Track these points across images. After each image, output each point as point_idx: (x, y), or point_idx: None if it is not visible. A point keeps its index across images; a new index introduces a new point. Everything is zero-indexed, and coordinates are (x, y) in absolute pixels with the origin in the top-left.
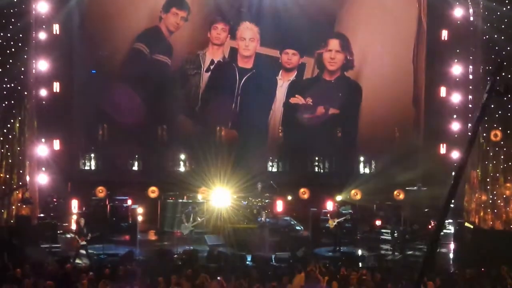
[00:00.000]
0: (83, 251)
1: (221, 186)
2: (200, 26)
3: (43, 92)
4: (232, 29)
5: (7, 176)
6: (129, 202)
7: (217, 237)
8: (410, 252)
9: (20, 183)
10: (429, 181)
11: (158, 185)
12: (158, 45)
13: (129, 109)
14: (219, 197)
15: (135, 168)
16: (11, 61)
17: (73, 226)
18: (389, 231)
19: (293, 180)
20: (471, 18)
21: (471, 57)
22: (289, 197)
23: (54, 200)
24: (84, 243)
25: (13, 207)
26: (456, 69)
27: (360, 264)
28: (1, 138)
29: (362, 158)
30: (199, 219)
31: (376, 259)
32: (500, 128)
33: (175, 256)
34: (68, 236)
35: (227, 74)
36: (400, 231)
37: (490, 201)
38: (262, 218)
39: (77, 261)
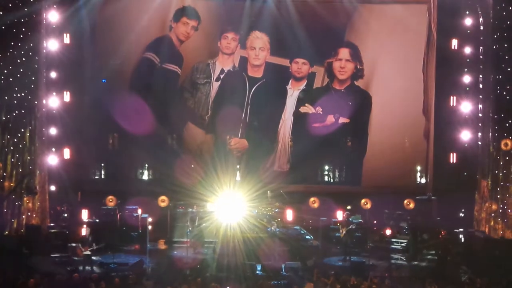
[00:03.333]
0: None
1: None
2: (210, 36)
3: (54, 101)
4: (242, 39)
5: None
6: (139, 211)
7: (227, 247)
8: (420, 261)
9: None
10: (439, 190)
11: (168, 195)
12: (168, 55)
13: (140, 118)
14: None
15: (145, 177)
16: (21, 70)
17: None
18: (399, 240)
19: (303, 189)
20: (481, 28)
21: (481, 66)
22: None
23: (63, 209)
24: (88, 252)
25: (23, 216)
26: (466, 79)
27: (370, 274)
28: (12, 148)
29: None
30: (203, 224)
31: (386, 268)
32: (510, 138)
33: (185, 265)
34: (73, 244)
35: (237, 83)
36: (410, 240)
37: (501, 210)
38: (272, 228)
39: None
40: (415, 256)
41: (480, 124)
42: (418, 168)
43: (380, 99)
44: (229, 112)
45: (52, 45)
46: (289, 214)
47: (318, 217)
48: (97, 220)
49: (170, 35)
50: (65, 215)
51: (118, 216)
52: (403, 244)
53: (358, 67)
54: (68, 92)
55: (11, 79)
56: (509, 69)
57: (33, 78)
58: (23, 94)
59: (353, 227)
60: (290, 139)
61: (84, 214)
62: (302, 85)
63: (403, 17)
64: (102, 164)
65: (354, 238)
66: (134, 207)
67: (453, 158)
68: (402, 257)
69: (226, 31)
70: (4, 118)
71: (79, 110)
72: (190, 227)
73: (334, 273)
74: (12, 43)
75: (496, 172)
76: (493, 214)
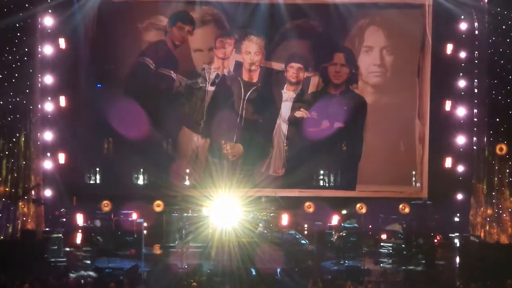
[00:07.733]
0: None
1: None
2: (205, 40)
3: (49, 106)
4: (237, 43)
5: (13, 190)
6: (134, 216)
7: (222, 251)
8: (415, 266)
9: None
10: (434, 194)
11: (164, 199)
12: (163, 59)
13: (135, 123)
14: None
15: (141, 182)
16: (16, 75)
17: (78, 241)
18: (394, 245)
19: (298, 193)
20: (476, 32)
21: (476, 71)
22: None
23: (57, 213)
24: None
25: (18, 221)
26: (461, 83)
27: (365, 278)
28: (7, 152)
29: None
30: (191, 235)
31: (381, 273)
32: (505, 142)
33: (180, 270)
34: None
35: (232, 88)
36: (404, 245)
37: (496, 215)
38: (259, 229)
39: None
40: (409, 261)
41: (475, 129)
42: (413, 172)
43: (375, 103)
44: (224, 117)
45: (47, 49)
46: (284, 219)
47: (313, 222)
48: (92, 225)
49: (165, 39)
50: (63, 219)
51: (113, 221)
52: (397, 249)
53: (353, 71)
54: (64, 97)
55: (6, 84)
56: (504, 74)
57: (28, 83)
58: (18, 99)
59: (344, 234)
60: (285, 143)
61: (79, 219)
62: (297, 89)
63: (398, 21)
64: (97, 169)
65: (349, 242)
66: (129, 211)
67: (448, 162)
68: (396, 262)
69: (221, 36)
70: None
71: (74, 115)
72: (179, 239)
73: (329, 278)
74: (7, 48)
75: (491, 176)
76: (488, 219)
